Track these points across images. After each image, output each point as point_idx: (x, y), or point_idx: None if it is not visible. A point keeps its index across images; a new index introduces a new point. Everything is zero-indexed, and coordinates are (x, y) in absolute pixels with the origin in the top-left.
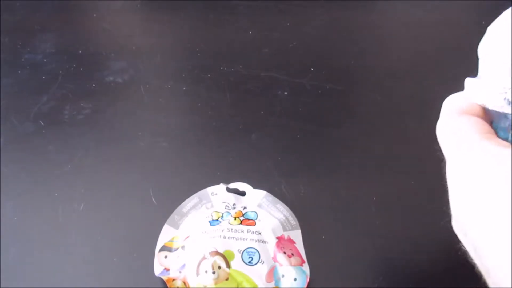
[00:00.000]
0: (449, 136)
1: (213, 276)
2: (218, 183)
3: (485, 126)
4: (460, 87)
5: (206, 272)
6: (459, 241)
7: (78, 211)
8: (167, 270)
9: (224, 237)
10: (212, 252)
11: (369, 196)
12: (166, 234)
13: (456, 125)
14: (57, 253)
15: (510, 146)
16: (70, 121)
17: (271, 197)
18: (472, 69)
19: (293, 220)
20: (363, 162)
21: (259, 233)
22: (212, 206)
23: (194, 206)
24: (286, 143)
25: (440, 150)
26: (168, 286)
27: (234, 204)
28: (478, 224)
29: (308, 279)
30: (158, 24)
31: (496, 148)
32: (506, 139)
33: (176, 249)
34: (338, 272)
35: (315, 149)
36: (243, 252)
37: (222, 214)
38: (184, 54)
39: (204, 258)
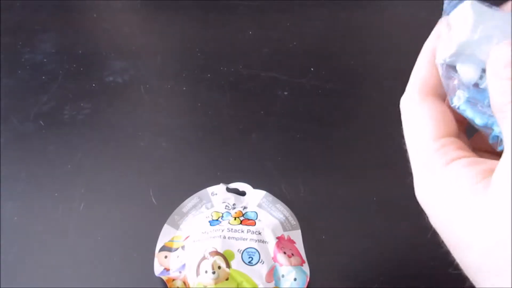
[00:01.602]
0: (407, 128)
1: (213, 276)
2: (218, 183)
3: (444, 123)
4: None
5: (206, 272)
6: None
7: (78, 211)
8: (167, 270)
9: (224, 237)
10: (212, 252)
11: (369, 196)
12: (166, 234)
13: (415, 121)
14: (57, 253)
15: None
16: (70, 121)
17: (271, 197)
18: None
19: (293, 220)
20: (363, 162)
21: (259, 233)
22: (212, 206)
23: (194, 206)
24: (286, 143)
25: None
26: (168, 286)
27: (234, 204)
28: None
29: (308, 279)
30: (158, 24)
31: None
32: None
33: (176, 249)
34: (338, 272)
35: (315, 149)
36: (243, 252)
37: (222, 214)
38: (184, 54)
39: (204, 258)
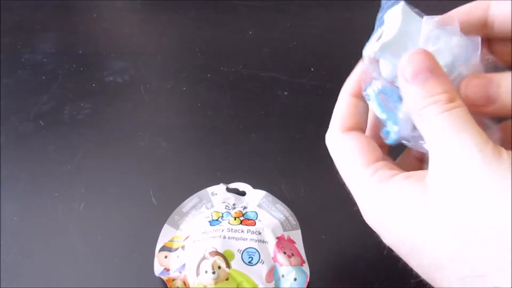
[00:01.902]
0: (338, 162)
1: (213, 276)
2: (218, 183)
3: (370, 151)
4: None
5: (206, 272)
6: None
7: (78, 211)
8: (167, 270)
9: (224, 237)
10: (212, 252)
11: None
12: (166, 234)
13: (344, 154)
14: (57, 253)
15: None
16: (70, 121)
17: (271, 197)
18: None
19: (293, 220)
20: None
21: (259, 233)
22: (212, 206)
23: (194, 206)
24: (286, 143)
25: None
26: (168, 286)
27: (234, 204)
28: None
29: (308, 279)
30: (158, 24)
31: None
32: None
33: (176, 249)
34: (338, 272)
35: (315, 149)
36: (243, 252)
37: (222, 214)
38: (184, 54)
39: (204, 258)
